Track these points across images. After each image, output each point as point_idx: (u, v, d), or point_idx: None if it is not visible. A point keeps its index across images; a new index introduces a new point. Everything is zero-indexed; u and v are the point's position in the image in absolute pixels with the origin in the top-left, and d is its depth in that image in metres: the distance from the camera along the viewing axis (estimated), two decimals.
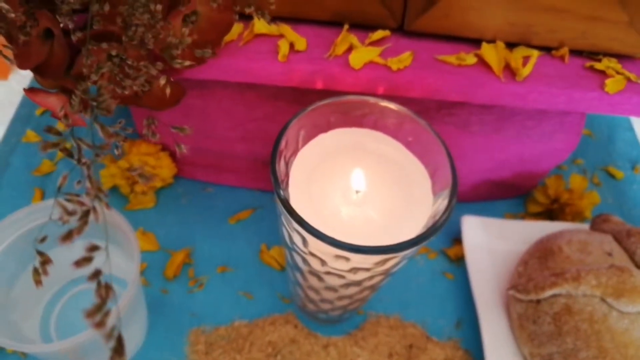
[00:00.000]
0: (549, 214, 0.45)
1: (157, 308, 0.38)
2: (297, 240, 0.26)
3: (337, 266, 0.26)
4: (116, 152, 0.21)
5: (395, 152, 0.30)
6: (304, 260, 0.28)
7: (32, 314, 0.36)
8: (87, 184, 0.17)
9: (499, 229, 0.42)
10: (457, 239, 0.43)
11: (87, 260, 0.15)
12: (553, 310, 0.34)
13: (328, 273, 0.27)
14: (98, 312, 0.14)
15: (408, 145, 0.30)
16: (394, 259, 0.25)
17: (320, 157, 0.29)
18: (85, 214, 0.16)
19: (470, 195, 0.45)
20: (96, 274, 0.15)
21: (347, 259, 0.24)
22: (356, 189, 0.28)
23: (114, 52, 0.21)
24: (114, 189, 0.43)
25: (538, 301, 0.35)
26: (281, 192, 0.24)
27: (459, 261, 0.42)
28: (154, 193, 0.43)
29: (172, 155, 0.43)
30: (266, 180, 0.43)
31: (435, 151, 0.28)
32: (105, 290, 0.15)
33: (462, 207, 0.44)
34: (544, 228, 0.41)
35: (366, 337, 0.38)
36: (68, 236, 0.15)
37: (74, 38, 0.23)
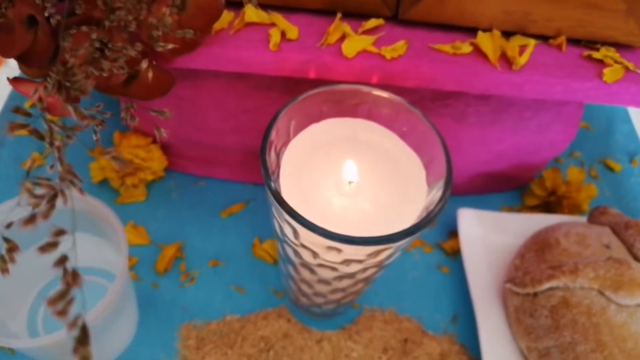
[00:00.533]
0: (546, 207, 0.45)
1: (148, 303, 0.37)
2: (288, 231, 0.25)
3: (329, 258, 0.25)
4: (94, 137, 0.20)
5: (389, 142, 0.29)
6: (296, 253, 0.27)
7: (19, 311, 0.35)
8: (58, 167, 0.16)
9: (496, 222, 0.41)
10: (453, 232, 0.43)
11: (52, 245, 0.15)
12: (550, 304, 0.33)
13: (320, 265, 0.27)
14: (61, 300, 0.14)
15: (402, 135, 0.29)
16: (387, 251, 0.24)
17: (312, 147, 0.28)
18: (53, 197, 0.16)
19: (467, 188, 0.44)
20: (62, 260, 0.14)
21: (339, 251, 0.24)
22: (349, 179, 0.27)
23: (94, 36, 0.21)
24: (105, 182, 0.42)
25: (535, 294, 0.34)
26: (272, 184, 0.24)
27: (455, 255, 0.42)
28: (145, 186, 0.43)
29: (164, 148, 0.42)
30: (259, 173, 0.42)
31: (430, 141, 0.27)
32: (72, 278, 0.14)
33: (458, 200, 0.43)
34: (541, 221, 0.41)
35: (360, 331, 0.37)
36: (31, 220, 0.15)
37: (52, 21, 0.22)
